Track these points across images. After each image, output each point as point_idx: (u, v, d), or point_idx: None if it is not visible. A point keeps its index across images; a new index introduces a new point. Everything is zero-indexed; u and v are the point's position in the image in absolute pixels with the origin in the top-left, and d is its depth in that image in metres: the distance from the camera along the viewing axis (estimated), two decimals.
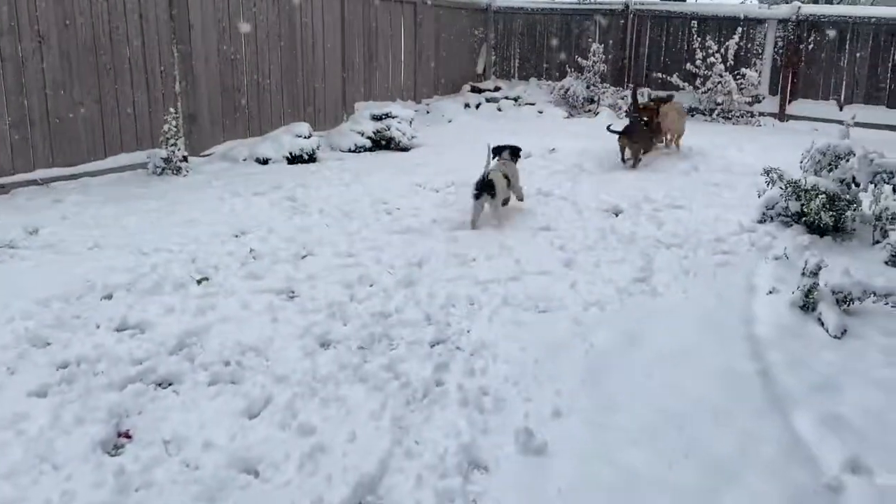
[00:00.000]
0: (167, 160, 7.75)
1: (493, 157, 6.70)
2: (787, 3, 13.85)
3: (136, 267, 5.07)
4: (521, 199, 6.93)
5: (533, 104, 14.24)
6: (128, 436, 3.24)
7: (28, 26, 6.89)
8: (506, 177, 6.56)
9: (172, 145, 7.79)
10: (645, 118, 9.58)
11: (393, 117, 10.17)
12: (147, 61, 8.03)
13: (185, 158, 7.93)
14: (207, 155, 8.75)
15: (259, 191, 7.27)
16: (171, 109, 8.00)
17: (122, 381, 3.61)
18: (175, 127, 7.85)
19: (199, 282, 4.89)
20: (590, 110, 14.01)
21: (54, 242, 5.52)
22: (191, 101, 8.56)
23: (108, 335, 4.10)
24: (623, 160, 9.11)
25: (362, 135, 9.89)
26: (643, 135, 9.28)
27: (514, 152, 6.97)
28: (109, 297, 4.60)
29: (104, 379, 3.63)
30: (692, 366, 3.96)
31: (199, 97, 8.66)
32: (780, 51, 13.61)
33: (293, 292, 4.81)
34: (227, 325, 4.25)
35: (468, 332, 4.30)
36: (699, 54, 13.50)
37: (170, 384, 3.66)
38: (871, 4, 22.41)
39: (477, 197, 6.25)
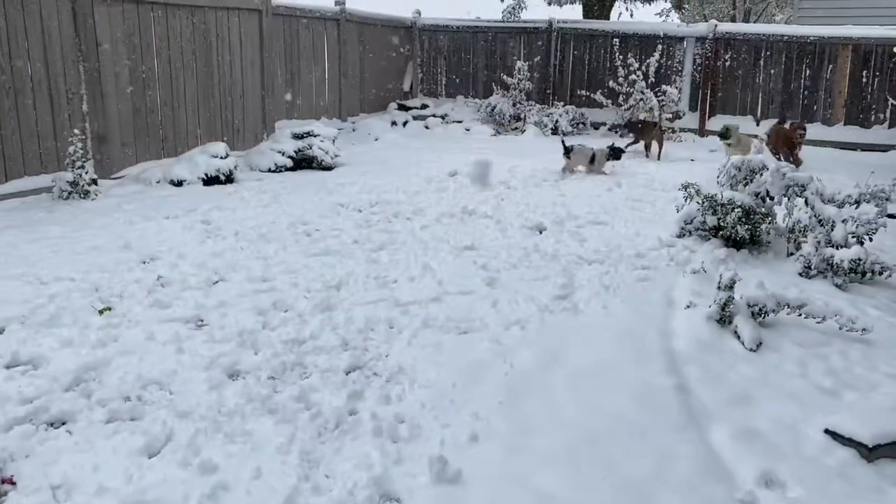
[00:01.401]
0: (74, 183, 7.37)
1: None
2: (705, 21, 14.28)
3: (33, 298, 4.76)
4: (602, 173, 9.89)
5: (460, 122, 14.30)
6: (11, 482, 3.00)
7: None
8: (592, 156, 9.83)
9: (79, 168, 7.42)
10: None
11: (315, 136, 9.99)
12: (51, 80, 7.66)
13: (94, 181, 7.57)
14: (119, 177, 8.39)
15: (171, 214, 6.98)
16: (77, 131, 7.63)
17: (8, 423, 3.36)
18: (82, 149, 7.49)
19: (100, 312, 4.62)
20: (516, 128, 14.13)
21: None
22: (100, 121, 8.21)
23: None
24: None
25: (283, 154, 9.67)
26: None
27: (615, 152, 9.97)
28: (1, 331, 4.30)
29: None
30: (611, 383, 3.94)
31: (108, 117, 8.31)
32: (699, 68, 14.03)
33: (202, 321, 4.59)
34: (129, 358, 4.02)
35: (386, 356, 4.18)
36: (621, 72, 13.75)
37: (63, 423, 3.42)
38: (785, 23, 23.39)
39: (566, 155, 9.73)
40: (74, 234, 6.25)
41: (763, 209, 6.11)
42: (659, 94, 13.51)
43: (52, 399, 3.57)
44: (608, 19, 17.84)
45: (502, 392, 3.81)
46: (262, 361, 4.05)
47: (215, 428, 3.38)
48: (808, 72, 13.32)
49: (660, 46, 13.89)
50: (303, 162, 9.77)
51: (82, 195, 7.41)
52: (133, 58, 8.60)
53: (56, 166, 7.66)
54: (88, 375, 3.83)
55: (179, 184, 8.27)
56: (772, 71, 13.57)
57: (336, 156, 10.06)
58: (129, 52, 8.54)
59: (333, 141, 10.24)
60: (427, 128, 13.94)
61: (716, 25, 13.88)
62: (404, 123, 13.99)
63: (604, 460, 3.24)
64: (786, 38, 13.45)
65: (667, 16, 25.11)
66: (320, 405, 3.60)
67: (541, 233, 6.86)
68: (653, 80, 13.65)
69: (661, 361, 4.18)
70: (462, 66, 15.80)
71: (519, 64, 14.49)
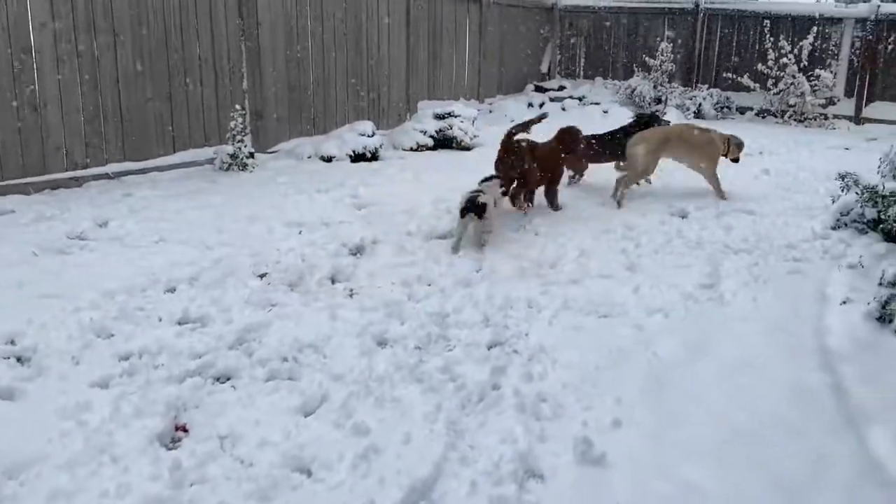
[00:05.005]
0: (233, 156, 7.86)
1: None
2: (865, 1, 13.32)
3: (199, 261, 5.13)
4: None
5: (598, 104, 14.01)
6: (185, 430, 3.27)
7: (104, 22, 7.08)
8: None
9: (239, 142, 7.90)
10: None
11: (455, 116, 10.12)
12: (216, 58, 8.16)
13: (251, 155, 8.04)
14: (273, 152, 8.86)
15: (322, 188, 7.30)
16: (238, 106, 8.11)
17: (182, 375, 3.65)
18: (242, 123, 7.97)
19: (260, 277, 4.93)
20: (657, 111, 13.71)
21: (122, 235, 5.64)
22: (258, 98, 8.68)
23: (170, 328, 4.15)
24: None
25: (424, 133, 9.87)
26: None
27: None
28: (172, 290, 4.67)
29: (164, 372, 3.67)
30: (760, 378, 3.82)
31: (265, 94, 8.77)
32: (858, 51, 13.14)
33: (352, 290, 4.81)
34: (286, 322, 4.27)
35: (526, 335, 4.23)
36: (771, 54, 13.10)
37: (228, 379, 3.68)
38: None
39: None
40: (234, 203, 6.67)
41: None
42: (812, 78, 12.80)
43: (218, 356, 3.85)
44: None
45: (645, 379, 3.77)
46: (409, 331, 4.19)
47: (366, 392, 3.55)
48: None
49: (814, 28, 13.14)
50: (443, 141, 9.93)
51: (241, 167, 7.89)
52: (289, 37, 9.01)
53: (217, 140, 8.18)
54: (250, 336, 4.10)
55: (329, 160, 8.63)
56: None
57: (475, 136, 10.15)
58: (285, 32, 8.95)
59: (473, 122, 10.34)
60: (564, 109, 13.75)
61: (878, 6, 12.88)
62: (541, 105, 13.89)
63: (754, 457, 3.14)
64: None
65: None
66: (464, 378, 3.69)
67: (683, 218, 6.69)
68: (805, 63, 12.93)
69: (815, 359, 4.00)
70: (601, 47, 15.49)
71: (662, 45, 14.05)
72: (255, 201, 6.75)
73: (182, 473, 2.93)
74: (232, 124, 7.87)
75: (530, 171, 6.61)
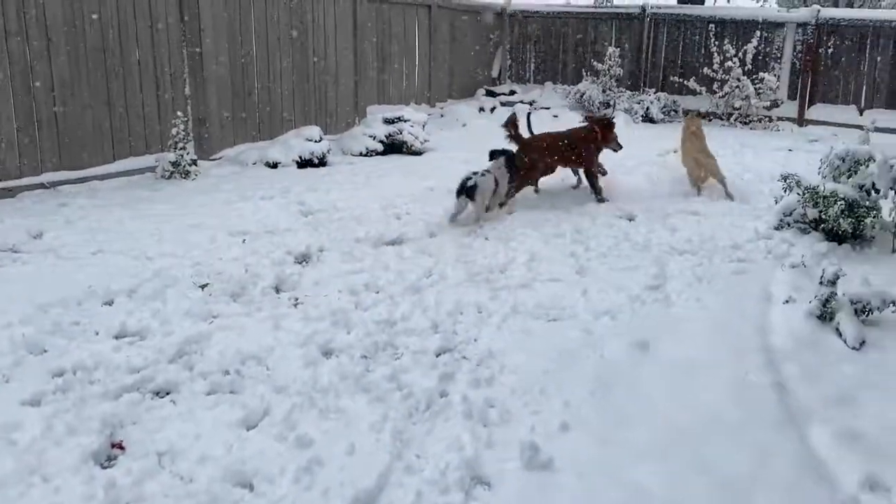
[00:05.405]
0: (176, 164, 7.69)
1: None
2: (806, 6, 13.67)
3: (139, 272, 4.99)
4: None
5: (548, 108, 14.10)
6: (121, 447, 3.16)
7: (36, 27, 6.85)
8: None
9: (181, 149, 7.73)
10: None
11: (405, 121, 10.08)
12: (157, 64, 7.99)
13: (194, 162, 7.87)
14: (217, 159, 8.69)
15: (267, 195, 7.18)
16: (180, 113, 7.93)
17: (118, 391, 3.54)
18: (184, 130, 7.80)
19: (202, 287, 4.80)
20: (609, 115, 13.86)
21: (57, 247, 5.46)
22: (201, 104, 8.51)
23: (107, 342, 4.02)
24: None
25: (374, 138, 9.81)
26: None
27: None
28: (110, 303, 4.53)
29: (99, 388, 3.55)
30: (705, 378, 3.85)
31: (209, 101, 8.60)
32: (800, 55, 13.44)
33: (297, 299, 4.71)
34: (228, 333, 4.17)
35: (475, 340, 4.20)
36: (717, 58, 13.33)
37: (167, 393, 3.58)
38: (894, 8, 22.17)
39: None
40: (176, 212, 6.52)
41: (868, 202, 5.81)
42: (756, 81, 13.07)
43: (158, 370, 3.74)
44: (703, 4, 17.30)
45: (593, 382, 3.76)
46: (355, 340, 4.12)
47: (310, 404, 3.48)
48: None
49: (758, 32, 13.42)
50: (393, 147, 9.88)
51: (183, 175, 7.72)
52: (233, 43, 8.86)
53: (159, 147, 7.99)
54: (191, 348, 3.99)
55: (274, 166, 8.51)
56: (878, 59, 12.83)
57: (425, 141, 10.13)
58: (229, 37, 8.80)
59: (423, 126, 10.32)
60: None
61: (818, 11, 13.23)
62: (492, 109, 13.94)
63: (699, 457, 3.16)
64: (894, 23, 12.69)
65: (765, 1, 24.10)
66: (412, 386, 3.64)
67: (631, 221, 6.74)
68: (749, 66, 13.19)
69: (758, 357, 4.06)
70: (551, 52, 15.60)
71: (610, 50, 14.21)
72: (197, 210, 6.61)
73: (117, 492, 2.84)
74: (174, 131, 7.70)
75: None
